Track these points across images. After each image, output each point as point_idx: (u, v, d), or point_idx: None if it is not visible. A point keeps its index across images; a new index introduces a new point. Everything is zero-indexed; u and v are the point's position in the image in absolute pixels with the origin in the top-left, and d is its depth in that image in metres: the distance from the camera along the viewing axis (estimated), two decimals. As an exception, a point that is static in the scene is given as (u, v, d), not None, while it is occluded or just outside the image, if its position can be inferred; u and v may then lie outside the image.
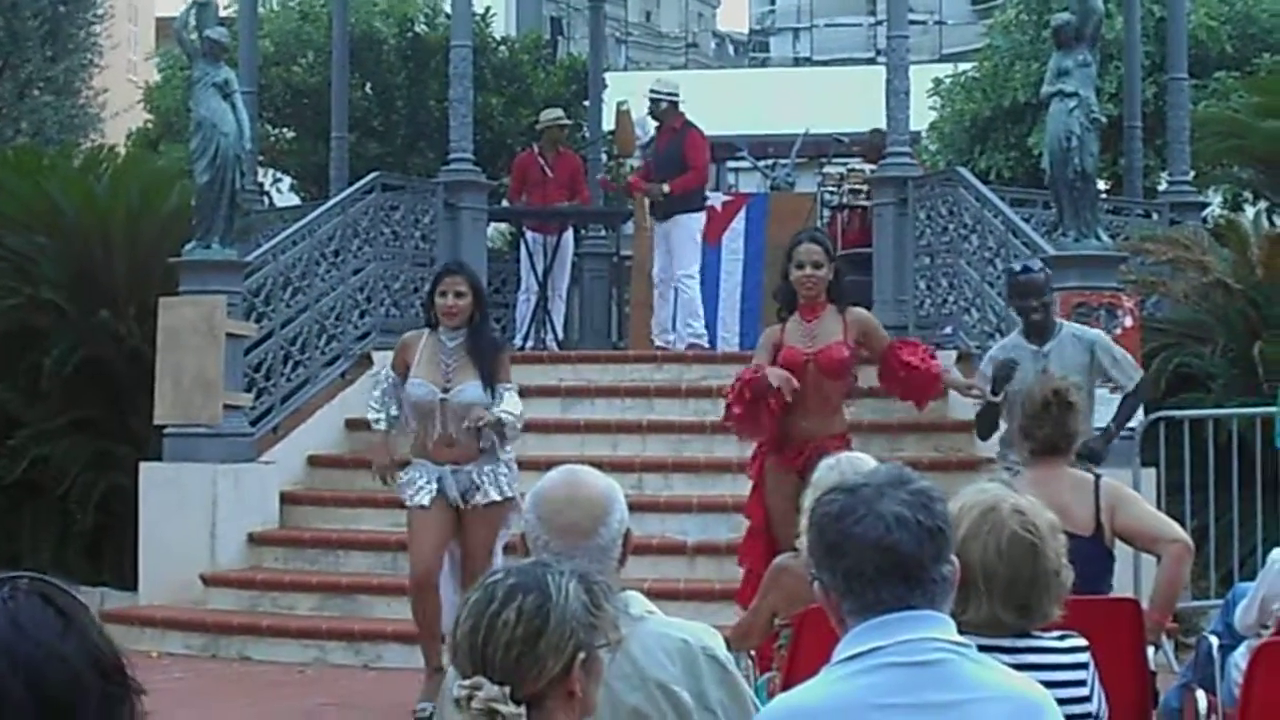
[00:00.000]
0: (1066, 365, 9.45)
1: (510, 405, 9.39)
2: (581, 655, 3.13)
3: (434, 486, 9.39)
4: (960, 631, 3.45)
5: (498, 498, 9.36)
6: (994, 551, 4.19)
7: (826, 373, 9.13)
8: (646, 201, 15.91)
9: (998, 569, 4.18)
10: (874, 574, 3.35)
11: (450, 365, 9.42)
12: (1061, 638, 4.31)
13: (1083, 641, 4.36)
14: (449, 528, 9.46)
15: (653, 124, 16.90)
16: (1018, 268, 10.03)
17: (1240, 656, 6.75)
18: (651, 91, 16.32)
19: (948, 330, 14.29)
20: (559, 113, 17.48)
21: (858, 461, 6.31)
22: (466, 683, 3.08)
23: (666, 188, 15.78)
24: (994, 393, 9.44)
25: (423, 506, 9.42)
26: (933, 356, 9.61)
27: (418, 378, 9.44)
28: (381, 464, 9.78)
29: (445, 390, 9.37)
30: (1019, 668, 3.69)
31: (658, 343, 15.99)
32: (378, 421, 9.75)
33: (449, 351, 9.45)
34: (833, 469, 6.36)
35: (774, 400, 9.03)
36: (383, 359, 14.30)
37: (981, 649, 3.50)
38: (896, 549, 3.33)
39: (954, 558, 3.44)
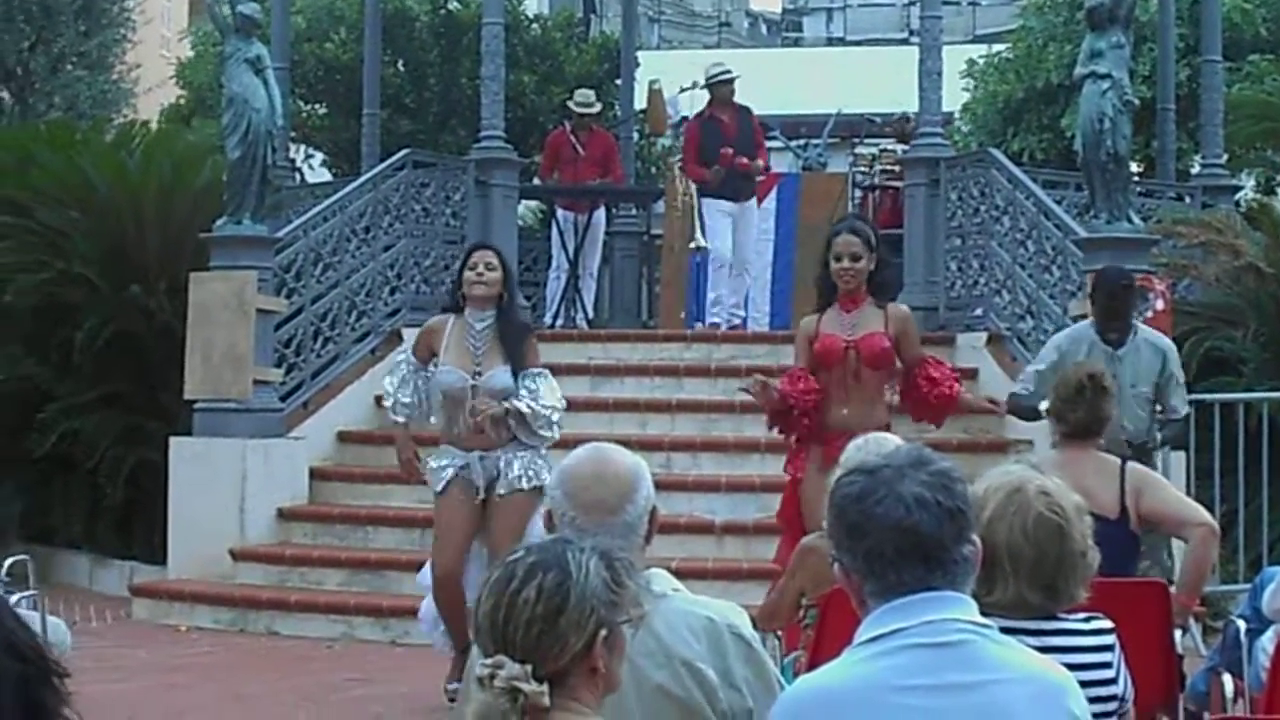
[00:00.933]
0: (1141, 372, 9.48)
1: (548, 398, 9.25)
2: (603, 632, 3.14)
3: (464, 474, 9.25)
4: (984, 613, 3.44)
5: (524, 486, 9.16)
6: (1020, 532, 4.18)
7: (868, 361, 8.92)
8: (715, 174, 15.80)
9: (1024, 549, 4.17)
10: (894, 555, 3.34)
11: (479, 349, 9.25)
12: (1087, 619, 4.31)
13: (1108, 624, 4.36)
14: (475, 518, 9.29)
15: (684, 103, 16.88)
16: (1121, 280, 9.97)
17: (1268, 641, 6.74)
18: (721, 71, 16.20)
19: (978, 312, 14.27)
20: (590, 97, 17.42)
21: (884, 442, 6.29)
22: (489, 662, 3.08)
23: (762, 163, 15.93)
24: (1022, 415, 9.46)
25: (448, 494, 9.29)
26: (958, 380, 9.32)
27: (447, 364, 9.26)
28: (404, 459, 9.77)
29: (476, 375, 9.21)
30: (1044, 650, 3.69)
31: (721, 321, 15.90)
32: (393, 408, 9.65)
33: (477, 334, 9.27)
34: (860, 449, 6.34)
35: (796, 407, 8.95)
36: (412, 336, 14.32)
37: (1006, 631, 3.50)
38: (917, 530, 3.33)
39: (975, 538, 3.44)
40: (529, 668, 3.05)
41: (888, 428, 8.83)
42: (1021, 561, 4.17)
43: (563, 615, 3.10)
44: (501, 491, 9.22)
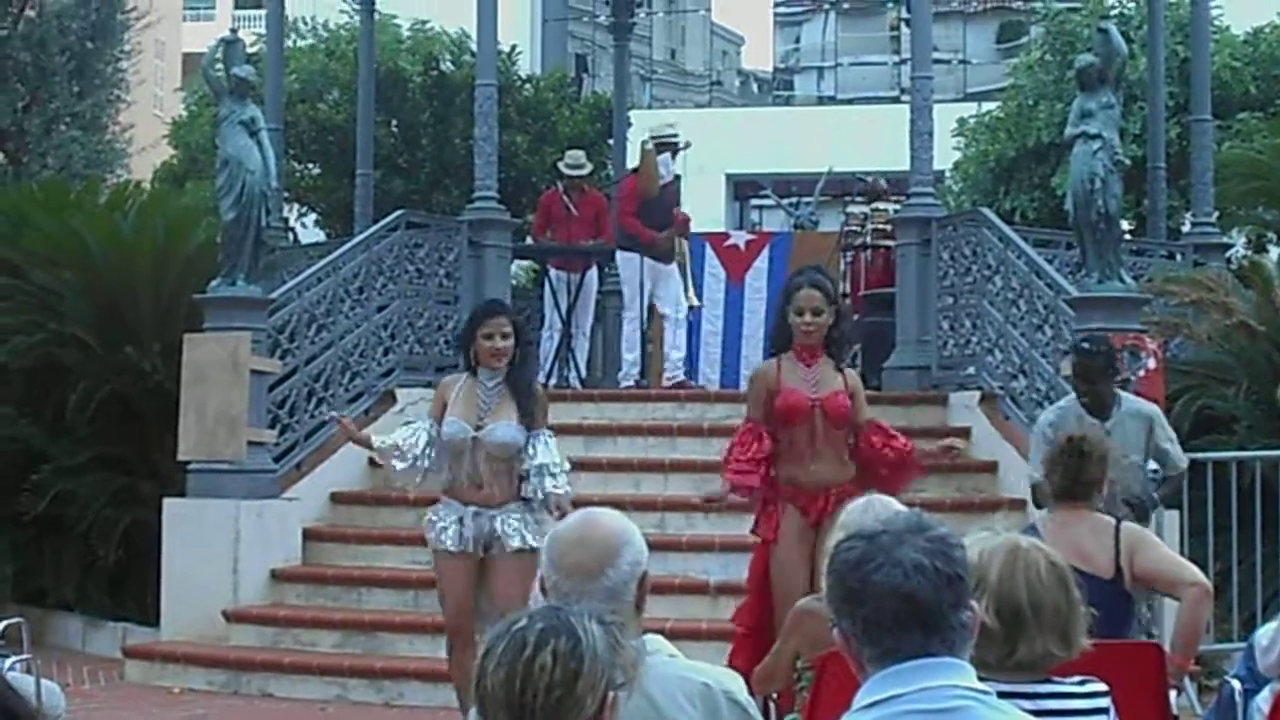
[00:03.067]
0: (1129, 443, 9.51)
1: (542, 457, 9.20)
2: (611, 695, 3.15)
3: (456, 529, 9.20)
4: (982, 678, 3.45)
5: (521, 547, 9.07)
6: (1038, 583, 4.20)
7: (833, 421, 8.94)
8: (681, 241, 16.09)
9: (1044, 599, 4.19)
10: (892, 622, 3.35)
11: (486, 405, 9.21)
12: (1081, 682, 4.31)
13: (1103, 686, 4.36)
14: (473, 572, 9.23)
15: (676, 162, 16.97)
16: (1085, 346, 10.02)
17: (1263, 700, 6.75)
18: (670, 135, 16.37)
19: (971, 371, 14.28)
20: (581, 157, 17.45)
21: (888, 504, 6.29)
22: None
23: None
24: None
25: (446, 551, 9.23)
26: (899, 440, 9.14)
27: (452, 416, 9.20)
28: (356, 435, 9.75)
29: (478, 428, 9.18)
30: (1040, 714, 3.70)
31: (684, 380, 16.01)
32: (396, 453, 9.36)
33: (488, 390, 9.24)
34: (864, 511, 6.34)
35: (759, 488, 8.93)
36: (406, 396, 14.39)
37: (1002, 695, 3.50)
38: (915, 597, 3.34)
39: (974, 605, 3.45)
40: None
41: (860, 482, 8.82)
42: (1044, 612, 4.18)
43: (580, 680, 3.11)
44: (498, 553, 9.15)
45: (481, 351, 9.24)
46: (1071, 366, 10.05)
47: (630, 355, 16.30)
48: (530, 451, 9.19)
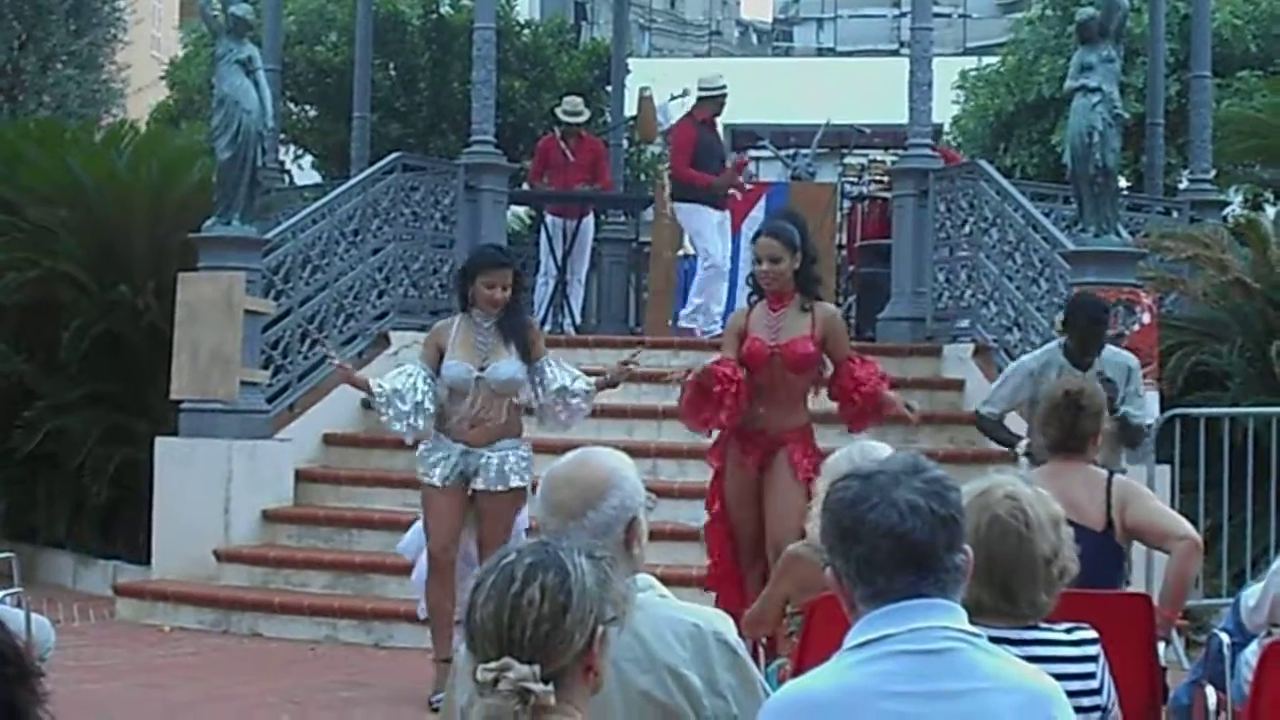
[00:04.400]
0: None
1: (560, 379, 9.56)
2: (601, 630, 3.15)
3: (444, 465, 9.41)
4: (971, 621, 3.45)
5: (511, 484, 9.37)
6: (971, 532, 4.19)
7: (791, 367, 9.10)
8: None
9: (975, 548, 4.18)
10: (886, 561, 3.36)
11: (486, 344, 9.43)
12: (1070, 630, 4.32)
13: (1092, 634, 4.37)
14: (462, 506, 9.46)
15: (674, 111, 16.90)
16: (1095, 307, 10.01)
17: (1251, 654, 6.76)
18: (723, 85, 16.26)
19: (965, 323, 14.28)
20: (579, 104, 17.40)
21: (871, 449, 6.32)
22: (493, 665, 3.07)
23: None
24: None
25: (433, 485, 9.44)
26: (883, 379, 9.31)
27: (454, 359, 9.40)
28: (354, 378, 9.82)
29: (481, 369, 9.38)
30: (1028, 659, 3.70)
31: (696, 329, 15.97)
32: (385, 408, 9.42)
33: (484, 331, 9.45)
34: (847, 457, 6.36)
35: (720, 390, 8.98)
36: (400, 339, 14.38)
37: (990, 640, 3.51)
38: (909, 537, 3.34)
39: (967, 548, 3.45)
40: (536, 668, 3.06)
41: (808, 428, 9.01)
42: (978, 561, 4.17)
43: (568, 613, 3.11)
44: (485, 487, 9.38)
45: (480, 297, 9.44)
46: (1068, 322, 10.02)
47: (718, 307, 16.11)
48: (542, 380, 9.52)
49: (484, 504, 9.42)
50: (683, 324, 16.10)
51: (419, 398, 9.41)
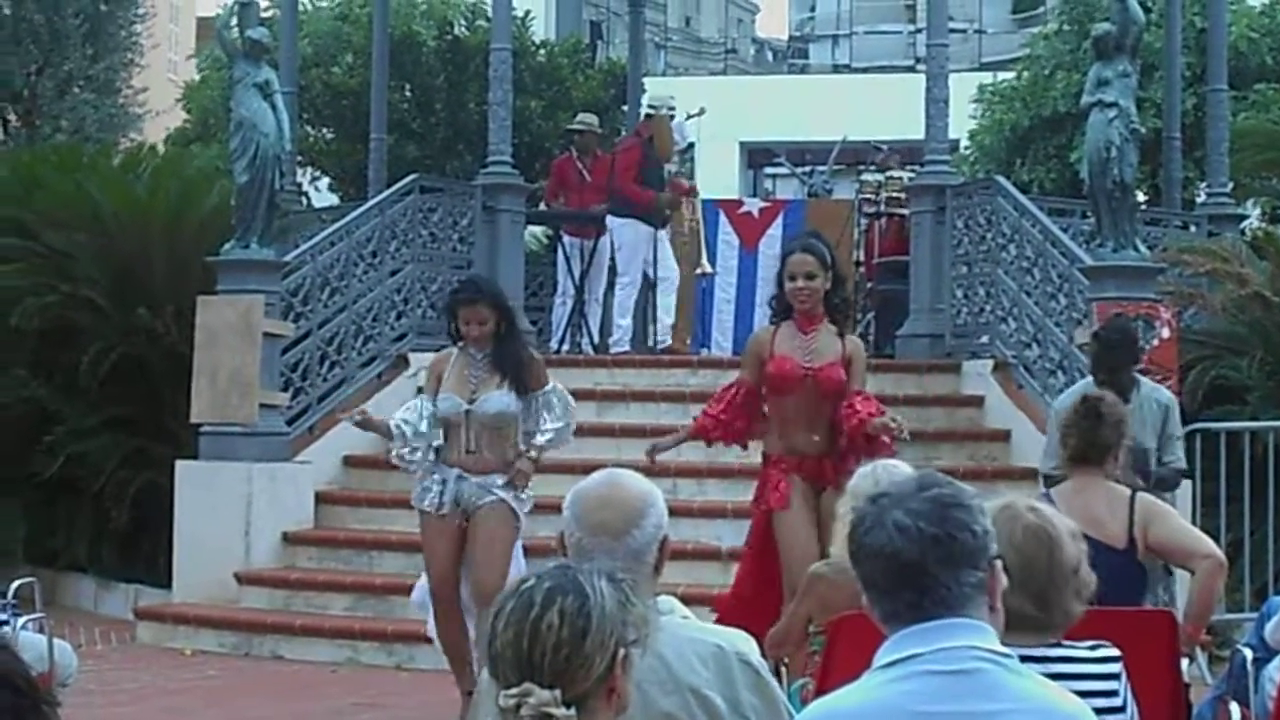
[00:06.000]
0: (1146, 427, 9.46)
1: (552, 419, 9.36)
2: (622, 652, 3.15)
3: (437, 490, 9.30)
4: (1004, 635, 3.45)
5: (500, 507, 9.19)
6: (1006, 541, 4.20)
7: (825, 393, 8.87)
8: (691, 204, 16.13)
9: (1011, 558, 4.20)
10: (884, 582, 3.38)
11: (476, 378, 9.30)
12: (1093, 647, 4.33)
13: (1115, 651, 4.37)
14: (458, 535, 9.29)
15: (691, 129, 16.94)
16: (1105, 334, 9.97)
17: (1274, 669, 6.76)
18: (670, 103, 16.45)
19: (984, 339, 14.26)
20: (592, 118, 17.48)
21: (892, 469, 6.31)
22: (514, 691, 3.07)
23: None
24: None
25: (427, 512, 9.33)
26: (875, 414, 8.83)
27: (446, 392, 9.31)
28: (376, 427, 9.69)
29: (471, 402, 9.26)
30: (1051, 677, 3.69)
31: (670, 345, 16.08)
32: (400, 435, 9.39)
33: (477, 364, 9.33)
34: (867, 476, 6.37)
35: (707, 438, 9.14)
36: (419, 360, 14.38)
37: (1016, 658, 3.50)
38: (898, 557, 3.34)
39: (986, 565, 3.43)
40: (558, 693, 3.05)
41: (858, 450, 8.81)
42: (1012, 572, 4.19)
43: (588, 637, 3.11)
44: (476, 517, 9.23)
45: (464, 334, 9.33)
46: (1091, 356, 10.00)
47: (624, 321, 16.24)
48: (538, 422, 9.36)
49: (475, 525, 9.25)
50: (615, 348, 16.12)
51: (425, 430, 9.41)
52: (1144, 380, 10.00)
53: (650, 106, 16.47)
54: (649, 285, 16.40)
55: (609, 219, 16.05)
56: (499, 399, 9.25)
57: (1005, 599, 4.08)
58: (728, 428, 9.17)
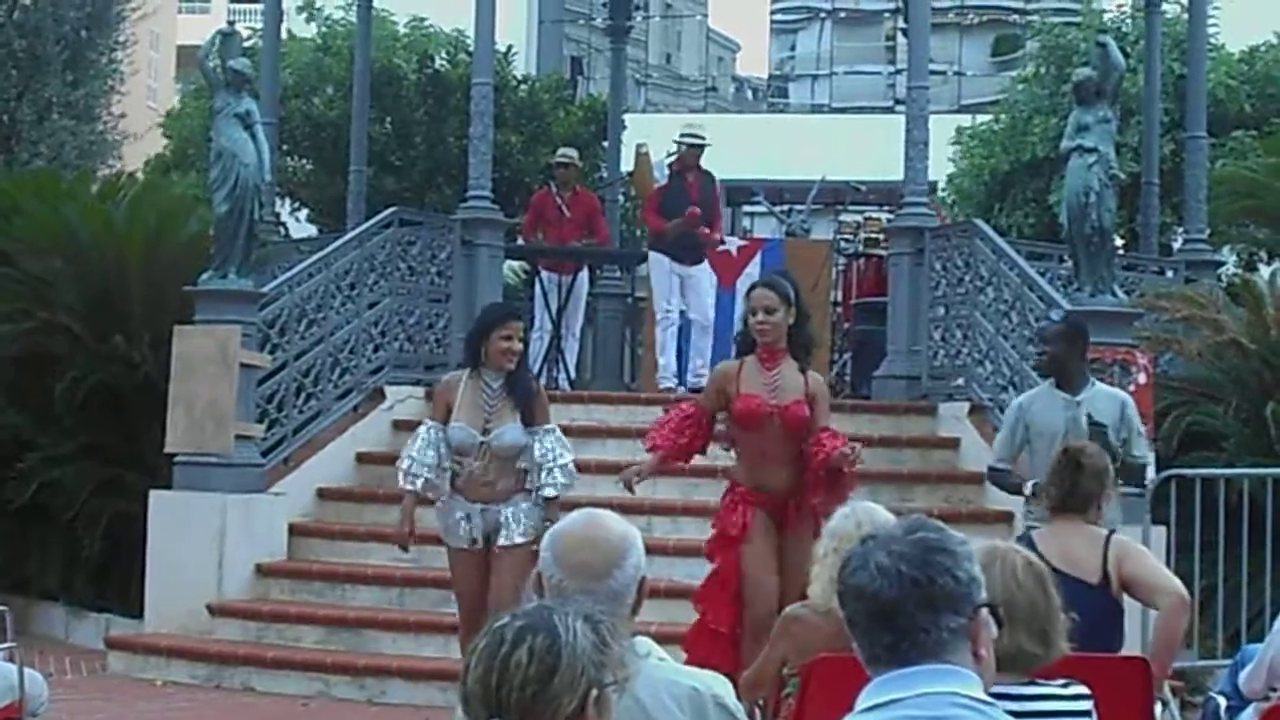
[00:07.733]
0: (1100, 415, 9.48)
1: (563, 456, 9.44)
2: (594, 693, 3.14)
3: (465, 526, 9.39)
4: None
5: (520, 540, 9.27)
6: (1012, 580, 4.27)
7: (790, 431, 9.01)
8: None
9: (1017, 596, 4.25)
10: (863, 623, 3.36)
11: (491, 408, 9.37)
12: (1065, 684, 4.41)
13: (1085, 689, 4.46)
14: (484, 571, 9.42)
15: (667, 166, 16.94)
16: (1046, 325, 10.11)
17: (1248, 717, 6.75)
18: (695, 133, 16.39)
19: (960, 382, 14.27)
20: (573, 152, 17.49)
21: (872, 511, 6.34)
22: None
23: (718, 237, 16.52)
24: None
25: (456, 553, 9.47)
26: (840, 449, 8.95)
27: (459, 421, 9.36)
28: (400, 533, 9.74)
29: (485, 433, 9.33)
30: (1026, 714, 3.71)
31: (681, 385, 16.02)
32: (409, 474, 9.48)
33: (492, 392, 9.40)
34: (848, 518, 6.39)
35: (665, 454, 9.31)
36: (395, 394, 14.38)
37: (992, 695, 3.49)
38: (876, 598, 3.33)
39: (971, 611, 3.41)
40: None
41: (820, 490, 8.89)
42: (1017, 609, 4.23)
43: (556, 676, 3.11)
44: (502, 543, 9.33)
45: (495, 351, 9.37)
46: (1037, 352, 10.14)
47: (663, 359, 16.24)
48: (537, 450, 9.40)
49: (498, 561, 9.33)
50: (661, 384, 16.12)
51: (437, 458, 9.47)
52: (1095, 381, 10.00)
53: (682, 136, 16.45)
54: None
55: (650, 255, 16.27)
56: (513, 431, 9.35)
57: (1010, 638, 4.11)
58: (685, 451, 9.43)
